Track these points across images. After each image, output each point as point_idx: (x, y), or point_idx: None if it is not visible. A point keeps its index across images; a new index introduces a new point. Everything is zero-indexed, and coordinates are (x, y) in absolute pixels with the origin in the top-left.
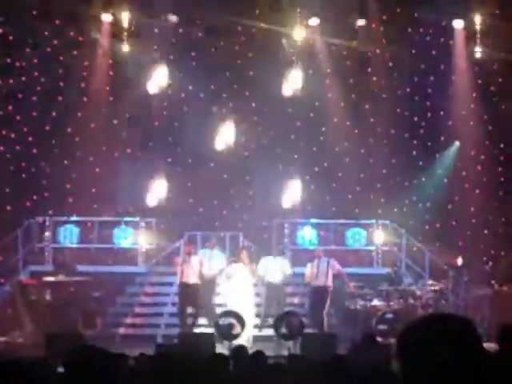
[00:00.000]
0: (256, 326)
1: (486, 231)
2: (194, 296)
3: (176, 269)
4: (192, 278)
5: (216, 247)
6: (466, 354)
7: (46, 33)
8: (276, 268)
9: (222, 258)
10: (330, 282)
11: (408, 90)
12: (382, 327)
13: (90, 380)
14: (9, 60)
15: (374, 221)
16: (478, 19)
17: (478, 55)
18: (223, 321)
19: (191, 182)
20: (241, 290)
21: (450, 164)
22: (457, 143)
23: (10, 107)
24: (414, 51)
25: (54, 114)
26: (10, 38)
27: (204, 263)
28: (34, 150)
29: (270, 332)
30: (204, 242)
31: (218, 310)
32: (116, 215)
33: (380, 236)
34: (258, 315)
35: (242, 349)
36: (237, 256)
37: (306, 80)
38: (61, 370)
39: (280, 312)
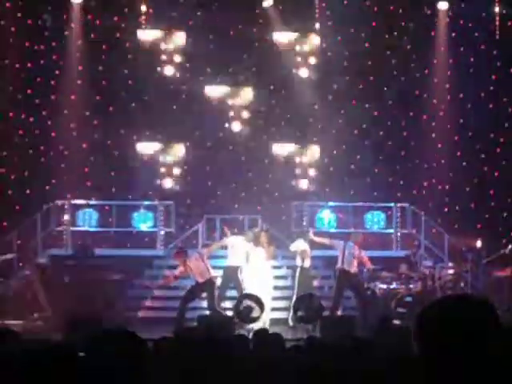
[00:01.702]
0: (274, 309)
1: (504, 214)
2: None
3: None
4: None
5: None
6: (484, 335)
7: (65, 16)
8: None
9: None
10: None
11: (426, 71)
12: (401, 310)
13: (110, 365)
14: (27, 43)
15: (392, 204)
16: None
17: None
18: (242, 304)
19: (210, 166)
20: (259, 272)
21: None
22: None
23: (29, 91)
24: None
25: (72, 97)
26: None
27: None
28: (53, 134)
29: (289, 315)
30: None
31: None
32: (135, 199)
33: (399, 219)
34: (276, 298)
35: (263, 331)
36: (256, 239)
37: (325, 62)
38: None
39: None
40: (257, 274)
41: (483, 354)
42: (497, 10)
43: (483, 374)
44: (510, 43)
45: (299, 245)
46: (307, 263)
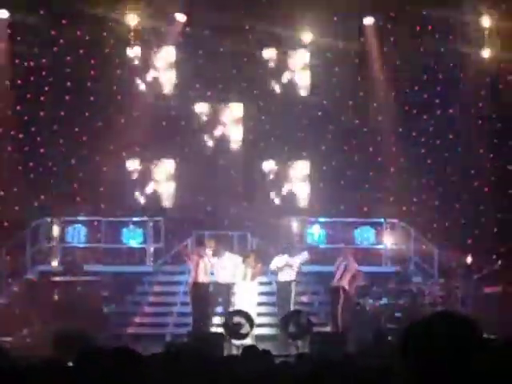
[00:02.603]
0: (260, 325)
1: (495, 229)
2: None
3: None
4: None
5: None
6: (467, 354)
7: (53, 32)
8: (285, 266)
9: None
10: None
11: (416, 87)
12: (390, 326)
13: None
14: (17, 61)
15: (382, 219)
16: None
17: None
18: (232, 320)
19: (199, 181)
20: (246, 290)
21: None
22: None
23: (18, 107)
24: (421, 49)
25: (61, 113)
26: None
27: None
28: (42, 150)
29: (277, 331)
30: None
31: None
32: (124, 215)
33: (389, 235)
34: (260, 314)
35: (251, 348)
36: (245, 258)
37: (314, 79)
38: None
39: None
40: (244, 292)
41: (467, 369)
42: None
43: None
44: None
45: (276, 262)
46: (282, 277)
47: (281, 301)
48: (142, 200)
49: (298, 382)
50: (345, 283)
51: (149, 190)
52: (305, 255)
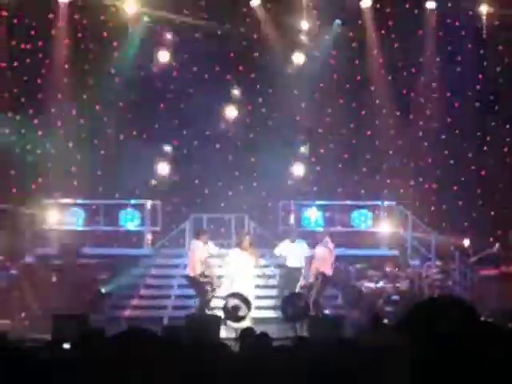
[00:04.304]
0: (259, 308)
1: (492, 212)
2: None
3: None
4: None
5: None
6: (464, 339)
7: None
8: (295, 252)
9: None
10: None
11: (413, 70)
12: (388, 309)
13: (97, 365)
14: (14, 42)
15: (379, 202)
16: None
17: None
18: (229, 303)
19: (197, 164)
20: (241, 272)
21: None
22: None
23: (15, 90)
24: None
25: (58, 96)
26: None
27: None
28: (40, 133)
29: (276, 314)
30: (209, 224)
31: (223, 293)
32: (122, 198)
33: (386, 217)
34: (260, 297)
35: (249, 330)
36: (240, 240)
37: (311, 61)
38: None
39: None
40: (241, 275)
41: (465, 354)
42: (483, 9)
43: (470, 373)
44: (496, 42)
45: (280, 249)
46: (290, 263)
47: (286, 285)
48: (140, 183)
49: (294, 365)
50: (327, 269)
51: (147, 172)
52: (306, 249)
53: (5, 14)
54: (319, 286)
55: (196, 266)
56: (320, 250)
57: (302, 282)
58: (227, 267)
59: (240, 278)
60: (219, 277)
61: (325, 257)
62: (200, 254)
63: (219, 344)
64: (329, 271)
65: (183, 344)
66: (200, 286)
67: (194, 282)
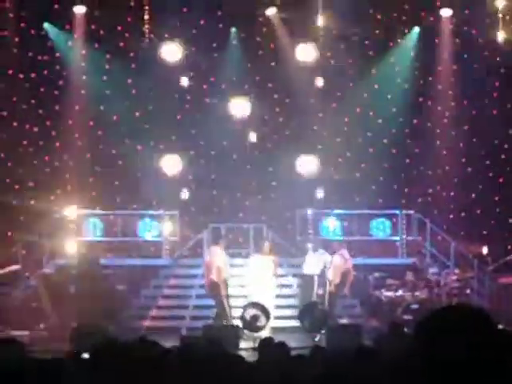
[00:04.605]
0: (278, 318)
1: (510, 220)
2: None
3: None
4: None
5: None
6: (481, 348)
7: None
8: (312, 261)
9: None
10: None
11: (430, 78)
12: (407, 317)
13: (115, 375)
14: (31, 53)
15: (398, 211)
16: None
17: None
18: (248, 312)
19: (215, 175)
20: (262, 281)
21: None
22: None
23: (33, 101)
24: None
25: (76, 107)
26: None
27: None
28: (57, 144)
29: (295, 323)
30: (228, 233)
31: (242, 302)
32: (140, 208)
33: (404, 226)
34: (279, 307)
35: (268, 340)
36: (260, 247)
37: (329, 71)
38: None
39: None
40: (260, 283)
41: (482, 363)
42: (500, 16)
43: (487, 382)
44: None
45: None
46: (307, 270)
47: (303, 294)
48: (157, 193)
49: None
50: (337, 277)
51: (165, 183)
52: (328, 258)
53: (23, 25)
54: (331, 296)
55: (215, 272)
56: (336, 260)
57: (318, 291)
58: (247, 274)
59: (260, 284)
60: (240, 286)
61: (338, 265)
62: (219, 260)
63: (233, 355)
64: (337, 280)
65: (196, 357)
66: (217, 295)
67: (211, 289)
